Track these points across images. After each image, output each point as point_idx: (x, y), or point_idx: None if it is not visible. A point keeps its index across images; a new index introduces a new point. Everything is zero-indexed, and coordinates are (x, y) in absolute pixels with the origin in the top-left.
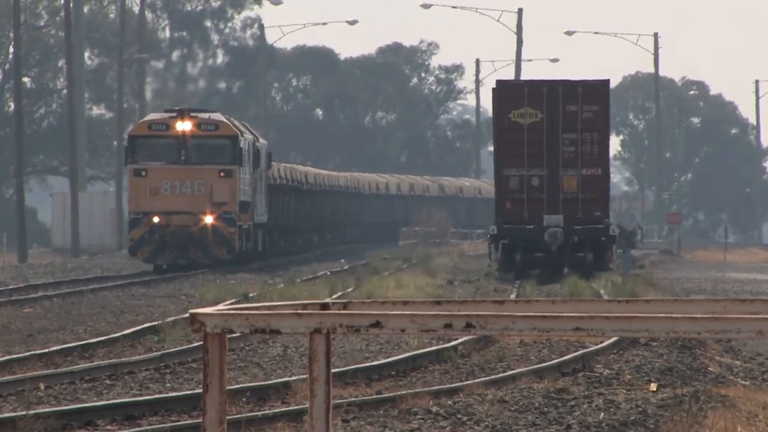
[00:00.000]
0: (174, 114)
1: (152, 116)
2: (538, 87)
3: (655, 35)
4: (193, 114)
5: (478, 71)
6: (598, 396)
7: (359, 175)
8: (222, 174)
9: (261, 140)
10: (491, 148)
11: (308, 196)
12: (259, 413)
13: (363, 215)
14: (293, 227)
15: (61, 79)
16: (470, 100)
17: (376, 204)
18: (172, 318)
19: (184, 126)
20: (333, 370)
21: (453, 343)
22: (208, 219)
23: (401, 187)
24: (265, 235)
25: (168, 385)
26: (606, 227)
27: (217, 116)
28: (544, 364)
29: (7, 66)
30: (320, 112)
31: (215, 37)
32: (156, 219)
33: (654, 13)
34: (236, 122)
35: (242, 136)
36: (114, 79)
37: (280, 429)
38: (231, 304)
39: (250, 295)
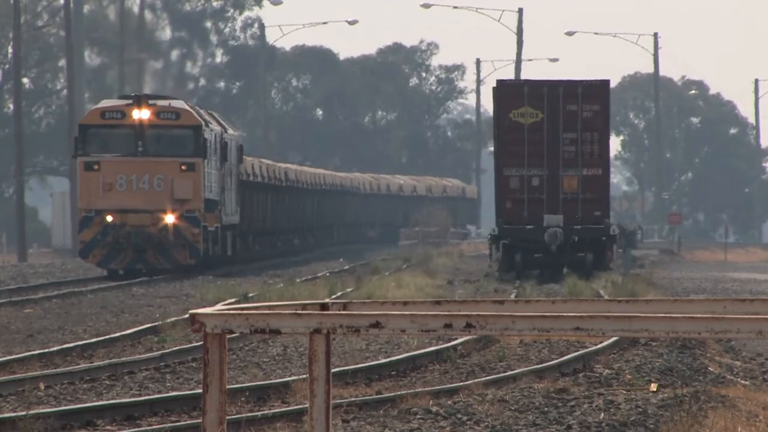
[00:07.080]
0: (130, 101)
1: (105, 103)
2: (538, 87)
3: (655, 35)
4: (151, 101)
5: (478, 71)
6: (598, 396)
7: (347, 174)
8: (183, 168)
9: (231, 131)
10: (492, 148)
11: (288, 195)
12: (259, 413)
13: (348, 215)
14: (270, 229)
15: (61, 79)
16: (470, 100)
17: (355, 203)
18: (173, 318)
19: (141, 114)
20: (333, 370)
21: (453, 343)
22: (169, 218)
23: (363, 184)
24: (235, 238)
25: (168, 385)
26: (606, 227)
27: (179, 103)
28: (544, 364)
29: (6, 66)
30: (320, 112)
31: (215, 37)
32: (109, 218)
33: (654, 13)
34: (201, 111)
35: (207, 126)
36: (114, 79)
37: (280, 429)
38: (230, 304)
39: (250, 295)
